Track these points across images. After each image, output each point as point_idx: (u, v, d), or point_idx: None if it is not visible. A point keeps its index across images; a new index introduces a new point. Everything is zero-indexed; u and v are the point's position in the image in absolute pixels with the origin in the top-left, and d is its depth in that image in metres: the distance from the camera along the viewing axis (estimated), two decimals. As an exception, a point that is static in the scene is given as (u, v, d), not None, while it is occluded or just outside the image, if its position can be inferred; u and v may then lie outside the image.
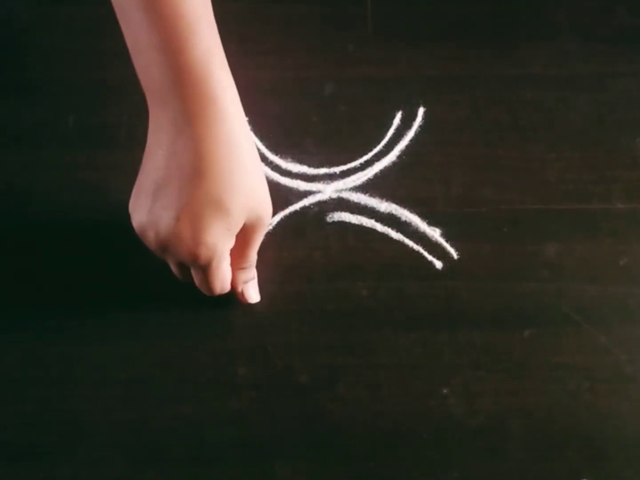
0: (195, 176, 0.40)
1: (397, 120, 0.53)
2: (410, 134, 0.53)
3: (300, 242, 0.51)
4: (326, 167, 0.52)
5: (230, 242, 0.43)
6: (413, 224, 0.51)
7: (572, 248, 0.51)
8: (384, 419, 0.47)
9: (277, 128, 0.53)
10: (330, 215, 0.52)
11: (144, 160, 0.43)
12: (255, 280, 0.49)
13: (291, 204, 0.52)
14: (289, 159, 0.52)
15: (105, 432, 0.47)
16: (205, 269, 0.43)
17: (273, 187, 0.52)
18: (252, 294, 0.49)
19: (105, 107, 0.53)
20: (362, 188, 0.52)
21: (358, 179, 0.53)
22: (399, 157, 0.53)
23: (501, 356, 0.48)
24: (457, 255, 0.51)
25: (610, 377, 0.48)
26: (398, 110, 0.54)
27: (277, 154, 0.52)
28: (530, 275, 0.50)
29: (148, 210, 0.42)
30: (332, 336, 0.49)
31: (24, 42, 0.53)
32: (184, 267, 0.45)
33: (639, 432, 0.47)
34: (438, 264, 0.51)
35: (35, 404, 0.47)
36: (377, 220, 0.52)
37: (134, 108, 0.50)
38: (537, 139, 0.53)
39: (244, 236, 0.44)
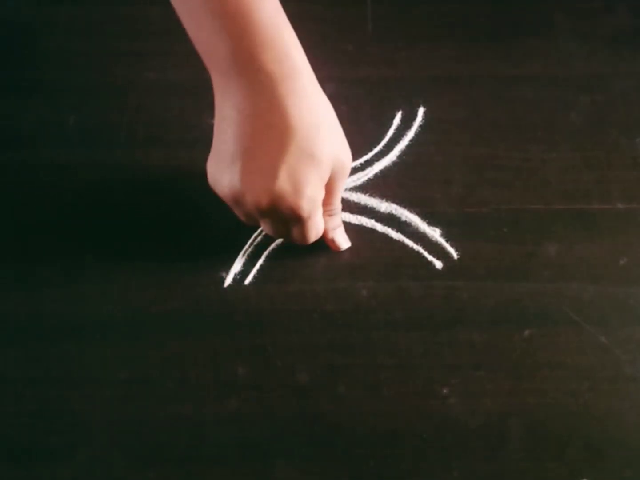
0: (285, 133, 0.41)
1: (397, 120, 0.53)
2: (410, 134, 0.53)
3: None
4: (326, 167, 0.52)
5: (323, 192, 0.45)
6: (413, 224, 0.51)
7: (572, 248, 0.51)
8: (384, 419, 0.47)
9: (277, 128, 0.53)
10: (330, 215, 0.51)
11: (219, 129, 0.44)
12: (342, 227, 0.50)
13: (291, 204, 0.51)
14: (289, 159, 0.52)
15: (105, 432, 0.47)
16: (304, 223, 0.45)
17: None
18: (342, 241, 0.50)
19: (105, 107, 0.53)
20: (362, 188, 0.52)
21: (358, 179, 0.53)
22: (399, 157, 0.53)
23: (501, 356, 0.48)
24: (457, 255, 0.51)
25: (610, 377, 0.48)
26: (398, 110, 0.54)
27: (277, 154, 0.52)
28: (530, 275, 0.50)
29: (241, 175, 0.42)
30: (332, 336, 0.49)
31: (24, 42, 0.53)
32: (280, 223, 0.45)
33: (639, 432, 0.47)
34: (438, 264, 0.51)
35: (35, 404, 0.47)
36: (377, 220, 0.52)
37: (134, 108, 0.50)
38: (537, 139, 0.53)
39: (330, 184, 0.45)
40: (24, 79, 0.53)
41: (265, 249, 0.51)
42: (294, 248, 0.51)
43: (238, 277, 0.50)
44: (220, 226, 0.51)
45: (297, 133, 0.42)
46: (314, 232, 0.47)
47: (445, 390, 0.48)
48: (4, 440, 0.47)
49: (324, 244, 0.50)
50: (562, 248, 0.51)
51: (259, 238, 0.51)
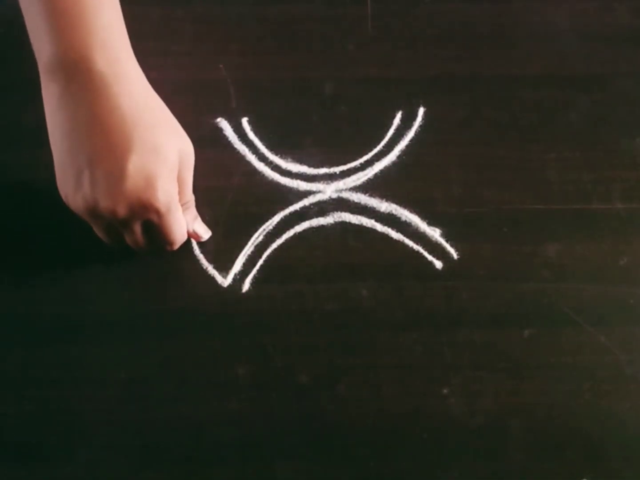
0: (127, 134, 0.42)
1: (397, 120, 0.53)
2: (410, 134, 0.53)
3: (300, 242, 0.51)
4: (326, 167, 0.52)
5: (176, 185, 0.45)
6: (413, 224, 0.51)
7: (572, 248, 0.51)
8: (384, 419, 0.47)
9: (277, 128, 0.53)
10: (330, 215, 0.52)
11: (55, 140, 0.43)
12: (199, 218, 0.50)
13: (291, 204, 0.52)
14: (289, 159, 0.52)
15: (105, 432, 0.47)
16: (165, 218, 0.44)
17: (273, 187, 0.52)
18: (203, 231, 0.50)
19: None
20: (362, 188, 0.52)
21: (358, 179, 0.53)
22: (399, 157, 0.53)
23: (501, 356, 0.48)
24: (457, 255, 0.51)
25: (610, 377, 0.48)
26: (398, 110, 0.54)
27: (277, 154, 0.52)
28: (530, 275, 0.50)
29: (91, 185, 0.42)
30: (332, 336, 0.49)
31: (24, 42, 0.53)
32: (143, 228, 0.45)
33: (639, 432, 0.47)
34: (438, 264, 0.51)
35: (35, 404, 0.47)
36: (377, 220, 0.52)
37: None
38: (537, 139, 0.53)
39: (180, 176, 0.46)
40: (24, 79, 0.53)
41: (266, 249, 0.51)
42: (294, 248, 0.51)
43: (238, 277, 0.50)
44: (220, 226, 0.51)
45: (138, 132, 0.42)
46: (179, 229, 0.46)
47: (445, 390, 0.48)
48: (4, 440, 0.47)
49: (322, 243, 0.50)
50: (562, 248, 0.51)
51: (260, 238, 0.51)
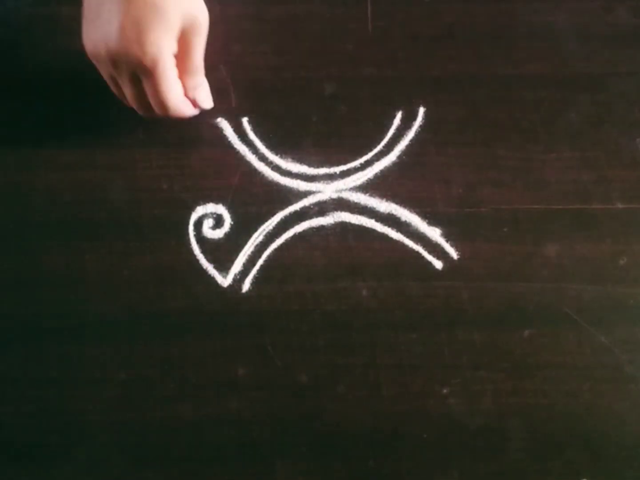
0: None
1: (397, 120, 0.53)
2: (410, 134, 0.53)
3: (300, 242, 0.51)
4: (326, 167, 0.52)
5: (172, 45, 0.46)
6: (413, 224, 0.51)
7: (572, 248, 0.51)
8: (384, 419, 0.47)
9: (277, 128, 0.53)
10: (330, 215, 0.52)
11: None
12: (207, 87, 0.51)
13: (291, 204, 0.52)
14: (289, 159, 0.52)
15: (105, 432, 0.47)
16: (155, 74, 0.46)
17: (273, 187, 0.52)
18: (204, 98, 0.50)
19: (105, 107, 0.53)
20: (362, 188, 0.52)
21: (358, 179, 0.53)
22: (399, 157, 0.53)
23: (501, 356, 0.48)
24: (457, 255, 0.51)
25: (610, 377, 0.48)
26: (398, 110, 0.54)
27: (277, 154, 0.52)
28: (530, 275, 0.50)
29: (95, 29, 0.46)
30: (332, 336, 0.49)
31: (24, 42, 0.53)
32: (136, 81, 0.47)
33: (639, 432, 0.47)
34: (438, 264, 0.51)
35: (35, 404, 0.47)
36: (377, 220, 0.52)
37: (134, 108, 0.50)
38: (537, 139, 0.53)
39: (185, 40, 0.47)
40: (24, 79, 0.53)
41: (265, 249, 0.51)
42: (294, 248, 0.51)
43: (238, 277, 0.50)
44: (220, 226, 0.51)
45: None
46: (169, 90, 0.47)
47: (445, 390, 0.48)
48: (4, 440, 0.47)
49: (322, 243, 0.50)
50: (562, 248, 0.51)
51: (260, 238, 0.51)
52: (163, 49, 0.45)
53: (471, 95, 0.54)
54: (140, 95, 0.48)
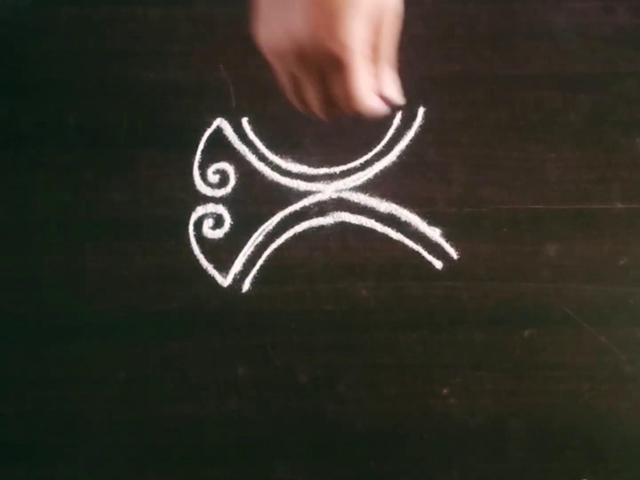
0: None
1: (397, 120, 0.53)
2: (410, 134, 0.53)
3: (300, 242, 0.51)
4: (326, 167, 0.52)
5: (364, 32, 0.42)
6: (413, 224, 0.51)
7: (572, 248, 0.51)
8: (384, 419, 0.47)
9: (277, 128, 0.53)
10: (330, 215, 0.52)
11: None
12: (396, 81, 0.45)
13: (291, 204, 0.52)
14: (289, 159, 0.52)
15: (105, 432, 0.47)
16: (348, 66, 0.41)
17: (273, 187, 0.52)
18: (395, 93, 0.45)
19: (105, 107, 0.53)
20: (362, 188, 0.52)
21: (358, 179, 0.53)
22: (399, 157, 0.53)
23: (501, 356, 0.48)
24: (457, 255, 0.51)
25: (610, 377, 0.48)
26: (398, 110, 0.54)
27: (277, 154, 0.52)
28: (530, 275, 0.50)
29: (279, 23, 0.41)
30: (332, 336, 0.49)
31: (24, 42, 0.53)
32: (324, 77, 0.42)
33: (639, 432, 0.47)
34: (438, 264, 0.51)
35: (35, 404, 0.47)
36: (377, 220, 0.52)
37: (134, 108, 0.50)
38: (537, 139, 0.53)
39: (374, 28, 0.42)
40: (24, 79, 0.53)
41: (265, 249, 0.51)
42: (294, 248, 0.51)
43: (238, 277, 0.50)
44: (220, 226, 0.51)
45: None
46: (363, 82, 0.42)
47: (445, 390, 0.48)
48: (4, 440, 0.47)
49: (322, 243, 0.50)
50: (562, 248, 0.51)
51: (260, 238, 0.51)
52: (358, 38, 0.41)
53: (471, 95, 0.54)
54: (320, 86, 0.43)
